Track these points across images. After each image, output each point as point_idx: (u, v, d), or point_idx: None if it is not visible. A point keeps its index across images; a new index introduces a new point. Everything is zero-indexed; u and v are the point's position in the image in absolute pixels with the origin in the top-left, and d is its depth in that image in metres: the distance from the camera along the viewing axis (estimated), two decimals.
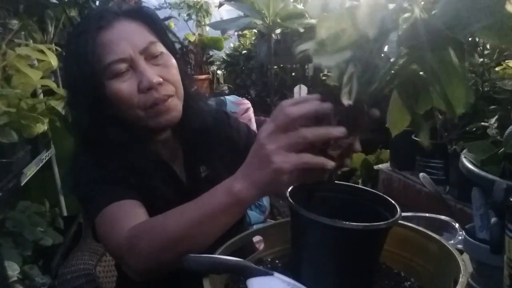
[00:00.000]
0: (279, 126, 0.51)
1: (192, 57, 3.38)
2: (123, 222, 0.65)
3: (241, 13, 2.17)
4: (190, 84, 0.83)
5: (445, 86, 0.41)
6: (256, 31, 3.00)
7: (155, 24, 0.77)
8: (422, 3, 0.44)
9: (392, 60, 0.46)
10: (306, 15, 2.06)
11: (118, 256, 0.66)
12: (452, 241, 0.79)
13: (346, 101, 0.46)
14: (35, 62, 1.53)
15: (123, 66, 0.71)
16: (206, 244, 0.59)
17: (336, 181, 0.60)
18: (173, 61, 0.77)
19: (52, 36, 1.79)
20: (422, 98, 0.48)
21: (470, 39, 1.13)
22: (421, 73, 0.47)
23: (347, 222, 0.49)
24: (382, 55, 0.46)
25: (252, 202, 0.58)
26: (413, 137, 1.39)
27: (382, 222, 0.50)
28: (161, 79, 0.72)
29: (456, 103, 0.42)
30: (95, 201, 0.71)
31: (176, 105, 0.76)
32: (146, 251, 0.60)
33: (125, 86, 0.71)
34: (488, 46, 1.18)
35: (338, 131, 0.49)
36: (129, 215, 0.66)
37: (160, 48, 0.75)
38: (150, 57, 0.73)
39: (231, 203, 0.56)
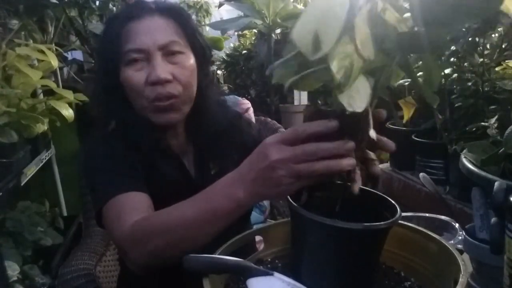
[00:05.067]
0: (286, 140, 0.52)
1: None
2: (128, 215, 0.66)
3: (241, 13, 2.17)
4: (209, 88, 0.86)
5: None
6: (256, 31, 2.99)
7: (185, 24, 0.80)
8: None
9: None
10: None
11: (121, 248, 0.69)
12: (452, 241, 0.79)
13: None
14: (35, 62, 1.53)
15: (138, 56, 0.75)
16: (206, 242, 0.61)
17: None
18: (191, 62, 0.79)
19: (52, 36, 1.79)
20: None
21: (470, 39, 1.13)
22: None
23: (347, 222, 0.49)
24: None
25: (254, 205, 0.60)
26: (413, 137, 1.40)
27: (382, 222, 0.50)
28: (170, 77, 0.75)
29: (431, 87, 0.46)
30: (103, 191, 0.73)
31: (178, 106, 0.78)
32: (149, 248, 0.62)
33: (136, 75, 0.75)
34: (488, 46, 1.18)
35: (348, 163, 0.50)
36: (135, 208, 0.68)
37: (180, 48, 0.78)
38: (168, 53, 0.76)
39: (234, 209, 0.58)
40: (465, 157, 0.69)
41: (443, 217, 0.89)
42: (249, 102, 1.58)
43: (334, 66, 0.39)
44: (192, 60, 0.80)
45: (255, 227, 0.80)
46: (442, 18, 0.40)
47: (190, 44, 0.80)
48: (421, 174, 0.79)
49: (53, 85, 1.51)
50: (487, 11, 0.38)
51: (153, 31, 0.76)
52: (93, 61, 1.95)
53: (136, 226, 0.64)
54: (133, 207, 0.68)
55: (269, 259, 0.67)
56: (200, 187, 0.68)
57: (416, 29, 0.42)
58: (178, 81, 0.77)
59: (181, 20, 0.80)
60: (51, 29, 1.78)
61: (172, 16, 0.79)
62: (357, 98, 0.42)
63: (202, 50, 0.83)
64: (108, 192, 0.71)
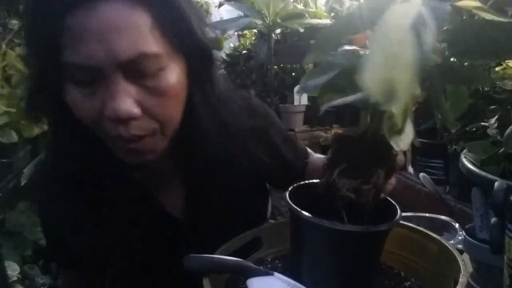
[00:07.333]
0: None
1: None
2: None
3: (241, 13, 2.17)
4: (208, 101, 0.59)
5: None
6: (256, 31, 2.99)
7: (169, 13, 0.48)
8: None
9: None
10: (306, 15, 2.06)
11: None
12: (452, 241, 0.79)
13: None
14: None
15: (84, 75, 0.47)
16: None
17: None
18: (174, 80, 0.51)
19: None
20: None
21: None
22: None
23: (346, 224, 0.49)
24: None
25: None
26: None
27: (382, 224, 0.50)
28: (137, 112, 0.48)
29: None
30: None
31: (155, 144, 0.53)
32: None
33: (83, 102, 0.48)
34: None
35: None
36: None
37: (157, 62, 0.48)
38: (135, 74, 0.47)
39: None
40: (465, 157, 0.69)
41: (443, 217, 0.89)
42: None
43: (397, 112, 0.36)
44: (175, 75, 0.51)
45: None
46: (476, 52, 0.41)
47: (176, 46, 0.51)
48: (421, 174, 0.79)
49: None
50: None
51: (110, 35, 0.44)
52: None
53: None
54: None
55: (269, 259, 0.67)
56: (191, 230, 0.64)
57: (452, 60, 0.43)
58: (151, 116, 0.50)
59: (162, 6, 0.48)
60: None
61: (148, 2, 0.46)
62: (404, 137, 0.40)
63: (198, 50, 0.54)
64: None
